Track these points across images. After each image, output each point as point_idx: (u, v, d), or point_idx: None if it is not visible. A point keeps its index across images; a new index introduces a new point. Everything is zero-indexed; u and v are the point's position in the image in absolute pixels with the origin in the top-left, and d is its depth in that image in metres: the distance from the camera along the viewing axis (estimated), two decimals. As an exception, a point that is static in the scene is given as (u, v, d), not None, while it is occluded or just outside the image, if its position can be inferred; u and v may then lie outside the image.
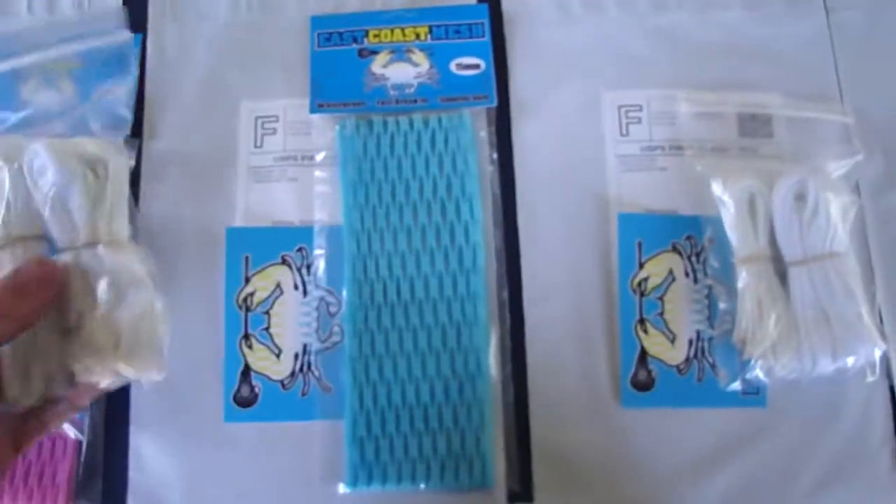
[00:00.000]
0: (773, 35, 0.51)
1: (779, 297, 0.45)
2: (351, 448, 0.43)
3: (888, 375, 0.47)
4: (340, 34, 0.50)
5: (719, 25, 0.51)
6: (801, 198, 0.46)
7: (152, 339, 0.37)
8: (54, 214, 0.37)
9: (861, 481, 0.45)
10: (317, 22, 0.50)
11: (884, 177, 0.50)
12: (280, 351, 0.45)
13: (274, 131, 0.48)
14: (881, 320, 0.47)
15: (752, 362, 0.44)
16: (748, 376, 0.45)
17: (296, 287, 0.46)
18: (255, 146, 0.48)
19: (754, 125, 0.49)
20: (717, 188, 0.46)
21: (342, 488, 0.43)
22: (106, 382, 0.36)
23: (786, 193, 0.45)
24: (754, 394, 0.46)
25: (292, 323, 0.46)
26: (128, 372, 0.36)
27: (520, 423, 0.45)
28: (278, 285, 0.46)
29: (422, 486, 0.43)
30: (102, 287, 0.36)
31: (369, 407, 0.44)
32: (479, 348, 0.45)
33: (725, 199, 0.46)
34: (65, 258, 0.36)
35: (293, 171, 0.47)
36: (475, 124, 0.48)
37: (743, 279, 0.45)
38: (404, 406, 0.44)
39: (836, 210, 0.46)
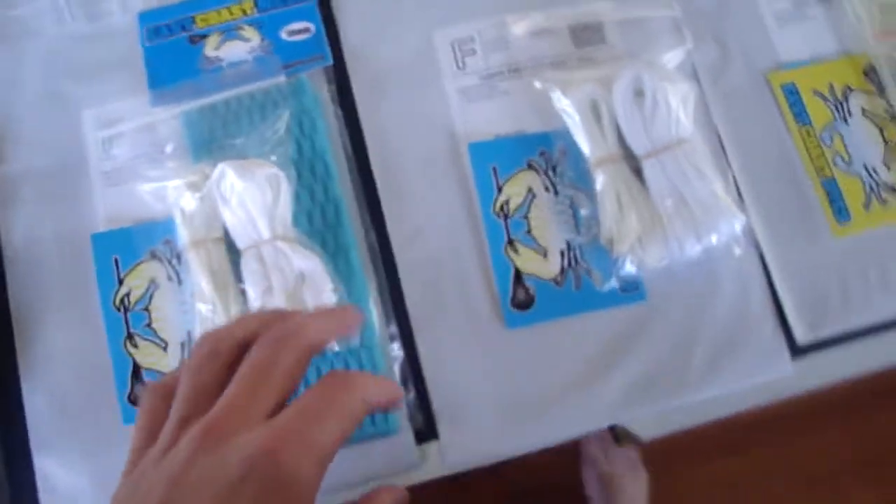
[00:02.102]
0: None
1: (637, 191, 0.46)
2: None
3: (755, 245, 0.48)
4: (168, 26, 0.50)
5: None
6: (640, 93, 0.47)
7: None
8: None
9: (749, 351, 0.47)
10: (144, 17, 0.50)
11: (719, 62, 0.51)
12: (166, 344, 0.45)
13: (121, 134, 0.48)
14: (739, 195, 0.48)
15: (623, 259, 0.46)
16: (622, 273, 0.46)
17: (170, 279, 0.46)
18: (104, 152, 0.48)
19: (587, 34, 0.50)
20: (557, 100, 0.47)
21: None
22: None
23: (624, 91, 0.46)
24: (633, 290, 0.47)
25: (173, 314, 0.46)
26: None
27: (412, 364, 0.45)
28: (152, 280, 0.46)
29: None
30: None
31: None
32: (359, 299, 0.45)
33: (568, 109, 0.47)
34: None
35: (147, 168, 0.47)
36: (315, 86, 0.48)
37: (600, 182, 0.46)
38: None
39: (676, 98, 0.47)
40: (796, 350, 0.47)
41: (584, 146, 0.47)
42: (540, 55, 0.50)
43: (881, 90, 0.52)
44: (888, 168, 0.50)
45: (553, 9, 0.50)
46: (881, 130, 0.51)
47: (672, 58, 0.49)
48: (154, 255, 0.47)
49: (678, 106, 0.47)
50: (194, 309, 0.45)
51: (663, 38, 0.50)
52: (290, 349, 0.29)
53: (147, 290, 0.46)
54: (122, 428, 0.45)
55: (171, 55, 0.49)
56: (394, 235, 0.47)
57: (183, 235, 0.45)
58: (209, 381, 0.29)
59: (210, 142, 0.47)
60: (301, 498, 0.25)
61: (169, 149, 0.48)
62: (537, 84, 0.48)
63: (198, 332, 0.45)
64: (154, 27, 0.50)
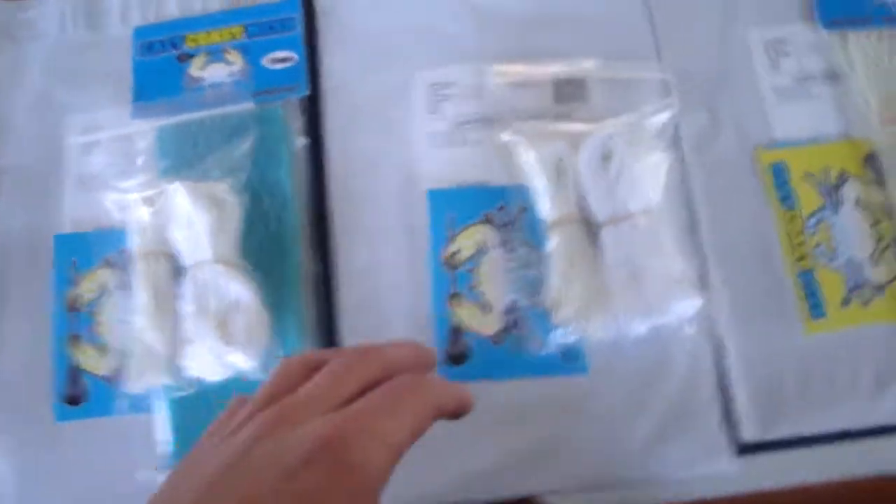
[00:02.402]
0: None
1: (590, 258, 0.45)
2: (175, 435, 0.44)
3: (715, 330, 0.45)
4: (161, 42, 0.51)
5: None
6: (608, 157, 0.45)
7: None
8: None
9: (691, 440, 0.44)
10: (139, 32, 0.52)
11: (707, 131, 0.49)
12: (106, 349, 0.47)
13: (98, 142, 0.50)
14: (707, 274, 0.46)
15: (564, 326, 0.44)
16: (562, 342, 0.44)
17: (121, 287, 0.47)
18: (81, 157, 0.50)
19: (569, 90, 0.49)
20: (522, 155, 0.46)
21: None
22: None
23: (591, 153, 0.45)
24: (574, 360, 0.45)
25: (119, 321, 0.47)
26: None
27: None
28: (104, 286, 0.47)
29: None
30: None
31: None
32: (294, 331, 0.45)
33: (532, 165, 0.46)
34: None
35: (115, 178, 0.49)
36: (290, 115, 0.49)
37: (552, 243, 0.45)
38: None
39: (647, 167, 0.45)
40: (744, 447, 0.44)
41: (542, 204, 0.45)
42: (517, 107, 0.48)
43: (880, 181, 0.48)
44: (875, 265, 0.47)
45: (539, 61, 0.49)
46: (874, 224, 0.48)
47: (655, 123, 0.47)
48: (109, 263, 0.48)
49: (647, 175, 0.45)
50: (137, 319, 0.45)
51: (649, 101, 0.48)
52: (367, 362, 0.29)
53: (98, 295, 0.47)
54: (54, 426, 0.46)
55: (158, 71, 0.50)
56: (341, 272, 0.47)
57: (134, 246, 0.46)
58: (295, 380, 0.29)
59: (178, 159, 0.48)
60: (369, 482, 0.25)
61: (140, 161, 0.49)
62: (504, 136, 0.47)
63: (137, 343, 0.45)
64: (147, 42, 0.51)
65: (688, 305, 0.44)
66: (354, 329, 0.46)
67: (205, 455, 0.27)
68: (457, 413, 0.30)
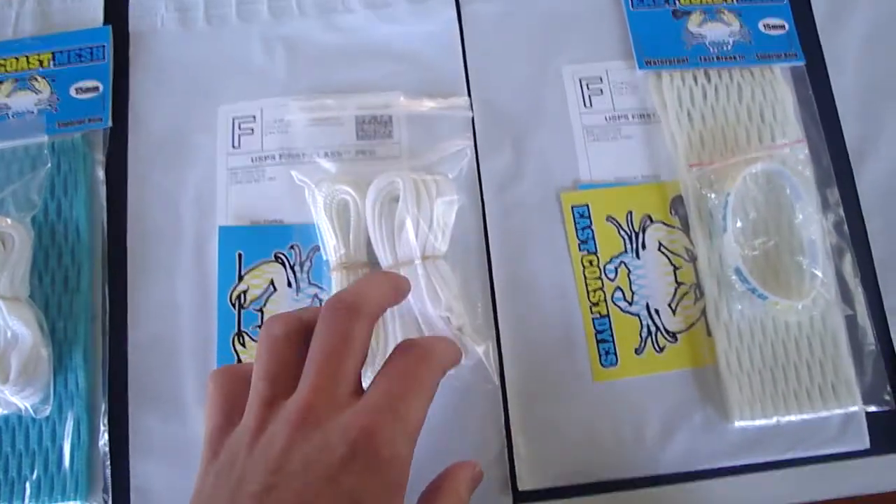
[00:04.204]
0: (399, 33, 0.50)
1: (370, 302, 0.44)
2: None
3: (500, 377, 0.45)
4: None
5: (343, 29, 0.50)
6: (395, 200, 0.45)
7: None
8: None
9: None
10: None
11: (510, 171, 0.48)
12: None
13: None
14: (496, 319, 0.46)
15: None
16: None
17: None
18: None
19: (372, 127, 0.48)
20: (310, 195, 0.46)
21: None
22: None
23: (376, 195, 0.44)
24: (355, 403, 0.44)
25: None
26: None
27: (116, 445, 0.45)
28: None
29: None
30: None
31: None
32: (79, 368, 0.45)
33: (317, 206, 0.45)
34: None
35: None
36: (91, 147, 0.48)
37: (333, 287, 0.44)
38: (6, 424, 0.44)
39: (436, 210, 0.44)
40: (520, 495, 0.44)
41: (326, 247, 0.45)
42: (319, 143, 0.48)
43: (685, 226, 0.47)
44: (673, 312, 0.46)
45: (345, 94, 0.48)
46: (675, 270, 0.47)
47: (453, 162, 0.47)
48: None
49: (435, 219, 0.44)
50: None
51: (453, 138, 0.48)
52: (355, 318, 0.29)
53: None
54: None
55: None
56: (134, 308, 0.46)
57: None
58: (286, 359, 0.29)
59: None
60: (399, 475, 0.27)
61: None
62: (294, 175, 0.46)
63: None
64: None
65: (469, 354, 0.43)
66: (144, 366, 0.45)
67: (238, 461, 0.27)
68: (452, 367, 0.32)
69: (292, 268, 0.46)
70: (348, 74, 0.49)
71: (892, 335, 0.47)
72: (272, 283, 0.46)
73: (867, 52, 0.52)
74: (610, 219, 0.47)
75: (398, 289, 0.34)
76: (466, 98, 0.48)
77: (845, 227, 0.48)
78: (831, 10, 0.53)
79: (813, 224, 0.47)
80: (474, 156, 0.48)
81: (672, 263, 0.47)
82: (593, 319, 0.46)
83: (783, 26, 0.51)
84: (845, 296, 0.47)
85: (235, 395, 0.30)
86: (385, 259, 0.44)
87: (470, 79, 0.49)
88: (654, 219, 0.47)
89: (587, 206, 0.47)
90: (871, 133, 0.50)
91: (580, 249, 0.47)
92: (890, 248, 0.48)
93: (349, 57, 0.50)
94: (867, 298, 0.47)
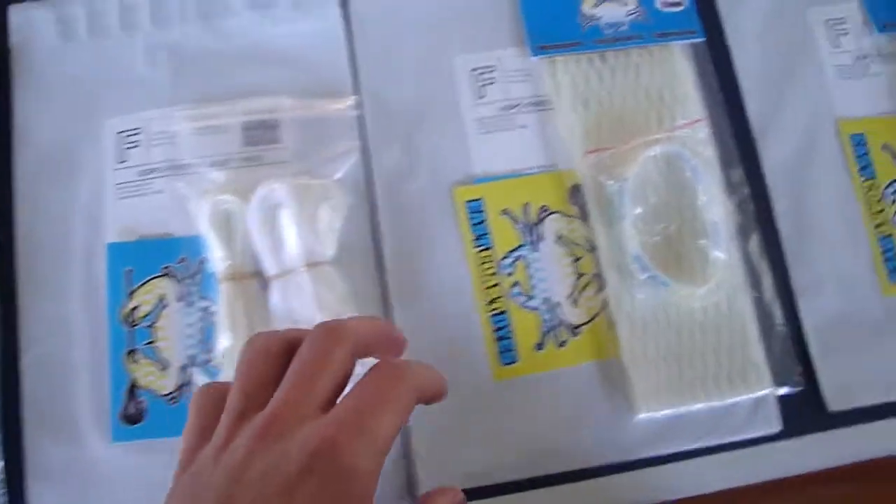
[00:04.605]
0: (284, 34, 0.49)
1: (258, 315, 0.43)
2: None
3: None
4: None
5: (227, 33, 0.49)
6: (278, 207, 0.44)
7: None
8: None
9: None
10: None
11: (403, 170, 0.47)
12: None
13: None
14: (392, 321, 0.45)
15: (231, 384, 0.42)
16: (234, 399, 0.43)
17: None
18: None
19: (260, 133, 0.47)
20: (194, 206, 0.45)
21: None
22: None
23: (259, 204, 0.44)
24: (250, 415, 0.43)
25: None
26: None
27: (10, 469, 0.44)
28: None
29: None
30: None
31: None
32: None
33: (202, 217, 0.44)
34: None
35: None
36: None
37: (220, 298, 0.43)
38: None
39: (320, 216, 0.43)
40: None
41: (212, 257, 0.44)
42: (206, 153, 0.47)
43: (584, 215, 0.46)
44: (575, 304, 0.45)
45: (231, 100, 0.47)
46: (575, 261, 0.46)
47: (342, 162, 0.46)
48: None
49: (320, 224, 0.43)
50: None
51: (341, 139, 0.47)
52: (340, 343, 0.29)
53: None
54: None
55: None
56: (23, 330, 0.46)
57: None
58: (263, 376, 0.29)
59: None
60: (363, 490, 0.25)
61: None
62: (180, 187, 0.45)
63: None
64: None
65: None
66: (38, 388, 0.45)
67: (203, 473, 0.27)
68: (434, 398, 0.31)
69: (182, 281, 0.45)
70: (234, 80, 0.48)
71: (801, 315, 0.46)
72: (162, 298, 0.45)
73: (769, 27, 0.51)
74: (505, 212, 0.46)
75: (390, 335, 0.32)
76: (353, 97, 0.47)
77: (751, 206, 0.47)
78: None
79: (716, 206, 0.46)
80: (362, 156, 0.46)
81: (572, 254, 0.46)
82: (491, 317, 0.45)
83: (680, 3, 0.50)
84: (752, 278, 0.46)
85: (212, 416, 0.29)
86: (270, 268, 0.43)
87: (359, 77, 0.48)
88: (552, 209, 0.46)
89: (481, 200, 0.46)
90: (774, 110, 0.49)
91: (475, 246, 0.46)
92: (797, 226, 0.47)
93: (235, 62, 0.48)
94: (775, 279, 0.46)
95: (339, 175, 0.45)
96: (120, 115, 0.48)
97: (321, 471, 0.25)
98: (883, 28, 0.51)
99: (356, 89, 0.48)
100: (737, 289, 0.45)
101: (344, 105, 0.47)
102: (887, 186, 0.48)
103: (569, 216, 0.46)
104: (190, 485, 0.27)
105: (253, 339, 0.30)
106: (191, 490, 0.27)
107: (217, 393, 0.30)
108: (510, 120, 0.48)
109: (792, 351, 0.45)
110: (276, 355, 0.29)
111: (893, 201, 0.48)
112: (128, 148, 0.47)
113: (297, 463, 0.25)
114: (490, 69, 0.48)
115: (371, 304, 0.45)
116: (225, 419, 0.28)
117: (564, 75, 0.48)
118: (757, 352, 0.44)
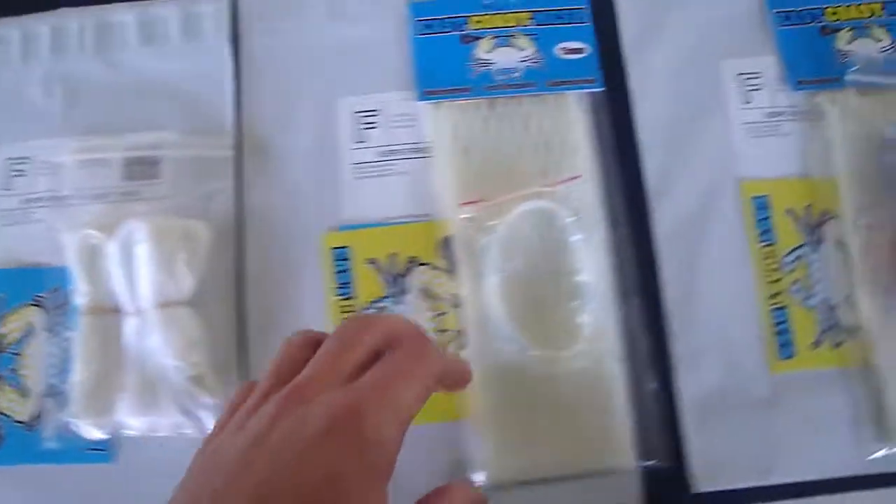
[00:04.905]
0: (174, 70, 0.49)
1: (112, 351, 0.44)
2: None
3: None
4: None
5: (120, 66, 0.50)
6: (137, 244, 0.44)
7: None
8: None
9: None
10: None
11: (277, 210, 0.47)
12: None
13: None
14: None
15: (79, 418, 0.43)
16: (85, 430, 0.44)
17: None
18: None
19: (141, 168, 0.48)
20: (66, 238, 0.45)
21: None
22: None
23: (117, 243, 0.44)
24: (101, 450, 0.44)
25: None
26: None
27: None
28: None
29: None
30: None
31: None
32: None
33: (70, 250, 0.45)
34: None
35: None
36: None
37: (79, 331, 0.44)
38: None
39: (183, 255, 0.44)
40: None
41: (75, 291, 0.45)
42: (86, 185, 0.47)
43: (453, 268, 0.45)
44: (432, 360, 0.44)
45: (116, 136, 0.48)
46: (439, 316, 0.45)
47: (215, 201, 0.46)
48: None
49: (178, 265, 0.43)
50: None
51: (217, 179, 0.47)
52: (369, 331, 0.30)
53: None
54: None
55: None
56: None
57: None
58: (294, 359, 0.30)
59: None
60: (383, 458, 0.26)
61: None
62: (55, 218, 0.46)
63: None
64: None
65: (203, 403, 0.42)
66: None
67: (225, 442, 0.28)
68: (456, 386, 0.32)
69: (51, 312, 0.46)
70: (124, 114, 0.49)
71: (679, 386, 0.43)
72: (31, 326, 0.46)
73: (677, 78, 0.48)
74: (372, 261, 0.45)
75: (418, 331, 0.31)
76: (231, 136, 0.47)
77: (634, 269, 0.45)
78: (640, 34, 0.49)
79: (590, 267, 0.44)
80: (236, 196, 0.46)
81: (436, 309, 0.44)
82: (347, 368, 0.44)
83: (583, 50, 0.48)
84: (630, 344, 0.44)
85: (243, 398, 0.30)
86: (126, 305, 0.43)
87: (243, 116, 0.48)
88: (421, 261, 0.45)
89: (348, 248, 0.45)
90: (672, 168, 0.47)
91: (337, 294, 0.45)
92: (684, 292, 0.45)
93: (126, 95, 0.49)
94: (654, 347, 0.44)
95: (211, 217, 0.45)
96: (11, 142, 0.49)
97: (342, 436, 0.25)
98: (798, 85, 0.48)
99: (238, 128, 0.48)
100: (606, 355, 0.43)
101: (222, 143, 0.47)
102: (788, 254, 0.45)
103: (437, 269, 0.45)
104: (213, 451, 0.27)
105: (288, 339, 0.31)
106: (212, 456, 0.27)
107: (306, 342, 0.31)
108: (389, 166, 0.47)
109: (660, 425, 0.43)
110: (308, 344, 0.30)
111: (792, 270, 0.45)
112: (14, 176, 0.48)
113: (318, 427, 0.25)
114: (374, 113, 0.48)
115: (227, 346, 0.44)
116: (254, 396, 0.29)
117: (446, 121, 0.47)
118: (621, 423, 0.42)
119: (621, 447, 0.42)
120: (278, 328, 0.45)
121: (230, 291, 0.45)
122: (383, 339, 0.29)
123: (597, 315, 0.43)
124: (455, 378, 0.32)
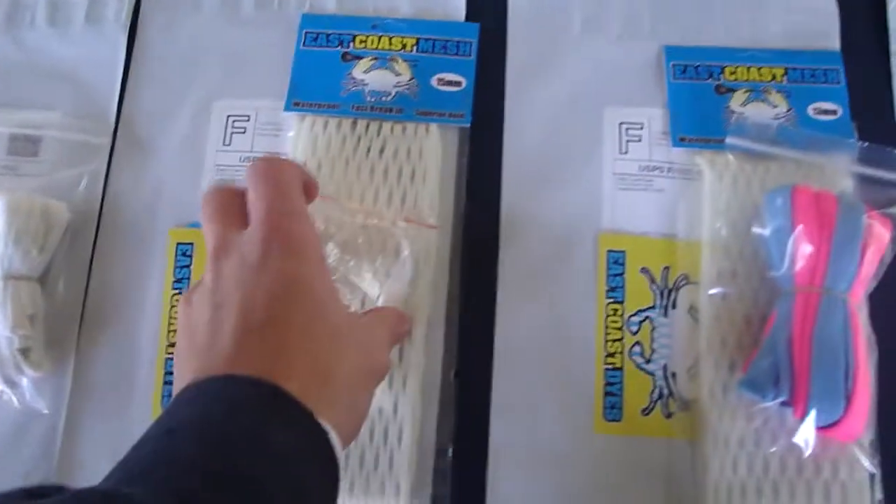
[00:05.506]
0: (72, 55, 0.51)
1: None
2: None
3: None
4: None
5: (26, 45, 0.52)
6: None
7: None
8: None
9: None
10: None
11: (130, 200, 0.48)
12: None
13: None
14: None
15: None
16: None
17: None
18: None
19: (23, 145, 0.50)
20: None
21: None
22: None
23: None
24: None
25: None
26: None
27: None
28: None
29: None
30: None
31: None
32: None
33: None
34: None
35: None
36: None
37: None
38: None
39: (38, 232, 0.45)
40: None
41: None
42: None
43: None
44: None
45: (5, 111, 0.50)
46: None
47: (85, 185, 0.48)
48: None
49: (28, 240, 0.45)
50: None
51: (90, 163, 0.48)
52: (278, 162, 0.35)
53: None
54: None
55: None
56: None
57: None
58: (232, 213, 0.34)
59: None
60: (315, 251, 0.33)
61: None
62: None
63: None
64: None
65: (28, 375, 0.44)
66: None
67: (222, 283, 0.32)
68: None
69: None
70: (22, 91, 0.50)
71: (490, 434, 0.42)
72: None
73: (555, 121, 0.47)
74: (211, 262, 0.45)
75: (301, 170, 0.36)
76: (110, 125, 0.48)
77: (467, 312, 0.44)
78: (524, 70, 0.48)
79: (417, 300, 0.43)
80: (102, 183, 0.47)
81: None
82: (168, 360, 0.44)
83: (459, 83, 0.47)
84: (444, 392, 0.43)
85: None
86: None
87: (125, 106, 0.49)
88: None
89: (192, 244, 0.46)
90: (529, 211, 0.45)
91: (174, 288, 0.45)
92: (512, 335, 0.43)
93: (25, 73, 0.51)
94: (475, 394, 0.43)
95: (78, 197, 0.46)
96: None
97: (277, 244, 0.31)
98: (679, 142, 0.45)
99: (118, 117, 0.49)
100: (408, 396, 0.42)
101: (100, 130, 0.48)
102: (634, 314, 0.43)
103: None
104: (187, 315, 0.32)
105: (211, 189, 0.35)
106: (188, 318, 0.32)
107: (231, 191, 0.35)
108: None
109: (449, 472, 0.41)
110: (236, 193, 0.34)
111: (636, 331, 0.43)
112: None
113: (259, 249, 0.31)
114: (244, 118, 0.48)
115: (69, 324, 0.45)
116: (211, 247, 0.33)
117: (306, 134, 0.46)
118: (403, 464, 0.41)
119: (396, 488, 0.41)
120: (114, 314, 0.46)
121: (83, 274, 0.46)
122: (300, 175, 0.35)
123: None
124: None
